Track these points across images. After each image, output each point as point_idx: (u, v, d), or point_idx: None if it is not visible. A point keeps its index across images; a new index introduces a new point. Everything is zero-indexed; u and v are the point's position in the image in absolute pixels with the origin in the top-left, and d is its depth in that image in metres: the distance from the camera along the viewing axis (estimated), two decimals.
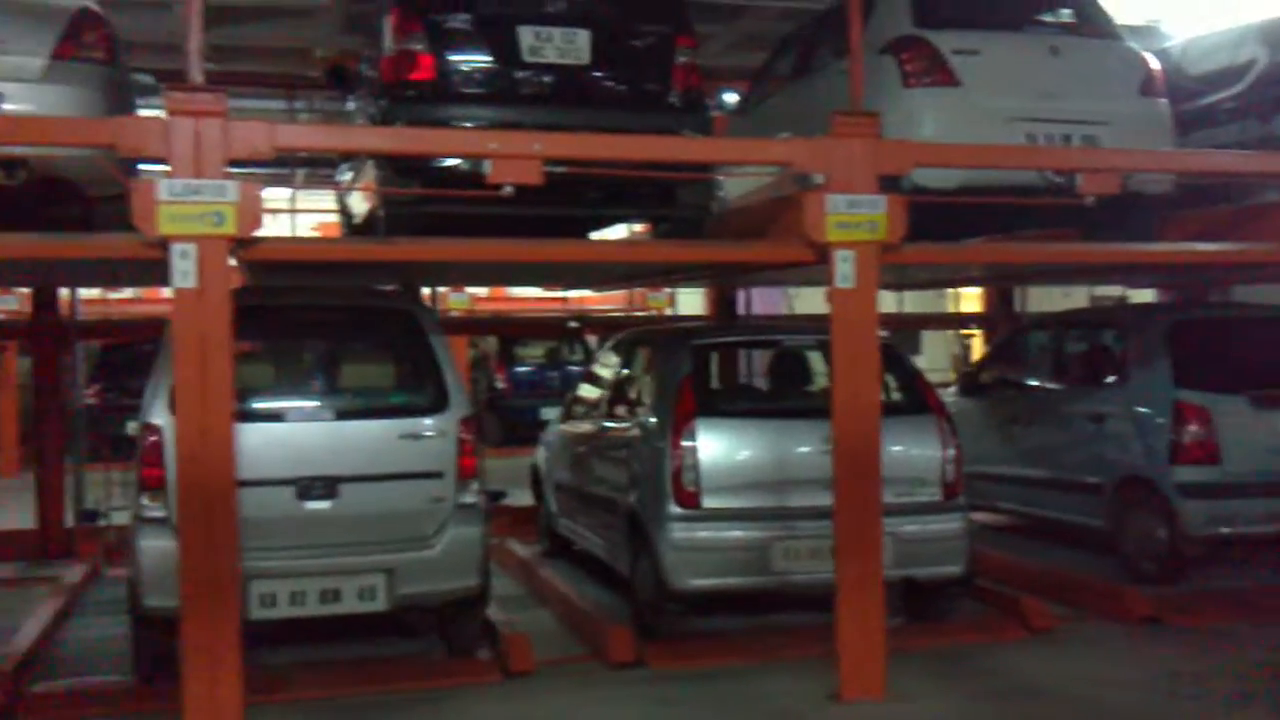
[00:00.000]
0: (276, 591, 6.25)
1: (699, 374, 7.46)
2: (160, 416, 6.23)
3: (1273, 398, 8.31)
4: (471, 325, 18.14)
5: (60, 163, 6.28)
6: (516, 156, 5.96)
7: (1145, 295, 15.57)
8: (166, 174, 5.37)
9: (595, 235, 9.25)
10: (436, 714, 6.10)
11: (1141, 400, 8.57)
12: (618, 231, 11.78)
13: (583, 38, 7.18)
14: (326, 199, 14.82)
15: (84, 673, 6.81)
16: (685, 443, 7.01)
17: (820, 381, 8.26)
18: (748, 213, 8.52)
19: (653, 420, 7.44)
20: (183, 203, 5.32)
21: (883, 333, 7.53)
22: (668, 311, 19.56)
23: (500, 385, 19.66)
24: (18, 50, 6.31)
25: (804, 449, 7.09)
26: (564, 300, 20.02)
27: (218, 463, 5.46)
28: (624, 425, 8.05)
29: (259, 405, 6.54)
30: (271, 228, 6.74)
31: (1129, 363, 8.85)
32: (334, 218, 13.08)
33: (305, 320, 7.17)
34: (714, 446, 7.06)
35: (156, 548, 6.16)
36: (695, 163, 7.25)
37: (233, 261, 5.64)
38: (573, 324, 15.81)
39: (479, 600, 6.80)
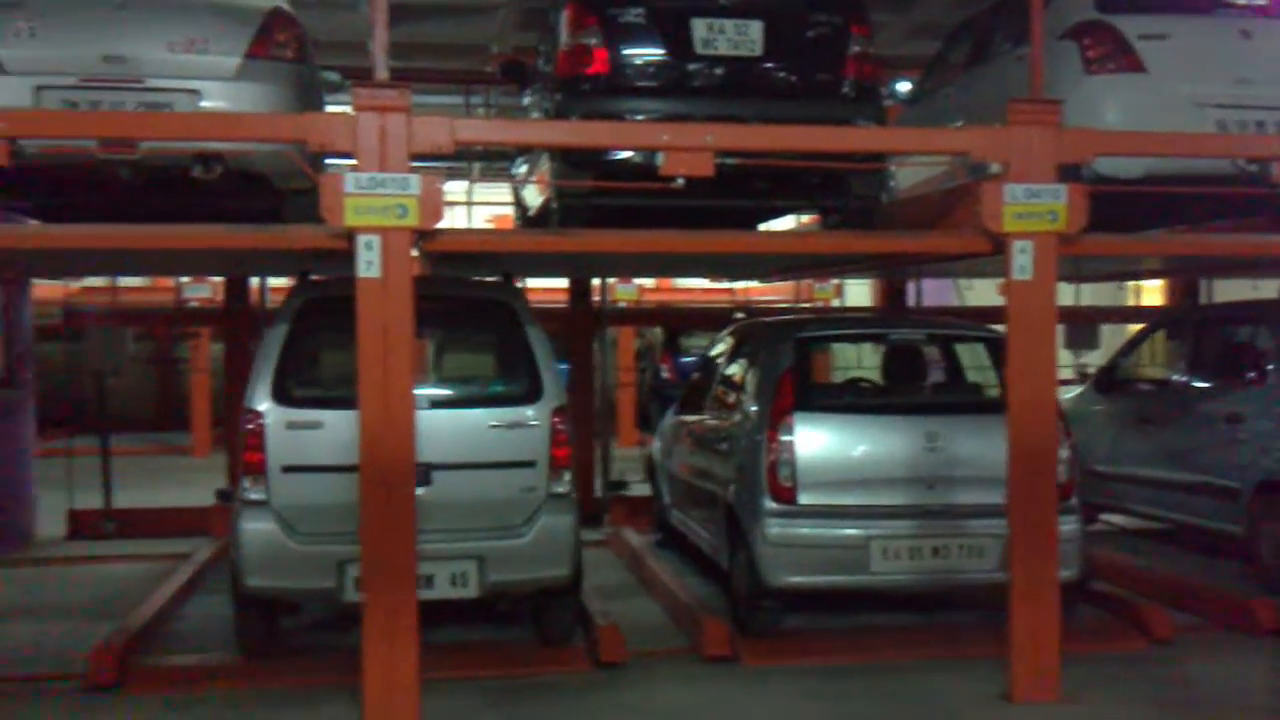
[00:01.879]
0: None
1: (800, 367, 7.30)
2: (263, 403, 6.43)
3: None
4: (637, 316, 18.30)
5: (253, 157, 6.55)
6: (689, 149, 5.98)
7: None
8: (352, 168, 5.56)
9: (763, 226, 9.26)
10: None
11: (1278, 400, 8.13)
12: (784, 222, 11.75)
13: (755, 29, 7.17)
14: (501, 192, 15.14)
15: (201, 648, 7.03)
16: (782, 437, 6.90)
17: (933, 377, 8.11)
18: (919, 203, 8.42)
19: (752, 413, 7.34)
20: (368, 195, 5.49)
21: (997, 327, 7.39)
22: (834, 303, 19.39)
23: (665, 375, 19.81)
24: (215, 50, 6.61)
25: (907, 446, 6.95)
26: (730, 291, 20.01)
27: (398, 447, 5.64)
28: (726, 418, 7.97)
29: (354, 393, 6.68)
30: (449, 220, 6.90)
31: (1269, 360, 8.38)
32: (508, 210, 13.37)
33: None
34: (812, 441, 6.93)
35: (257, 530, 6.36)
36: (869, 153, 7.18)
37: (414, 252, 5.82)
38: (738, 315, 15.80)
39: (570, 589, 6.81)
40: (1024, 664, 6.09)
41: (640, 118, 7.08)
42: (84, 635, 6.78)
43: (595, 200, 7.15)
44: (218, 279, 13.88)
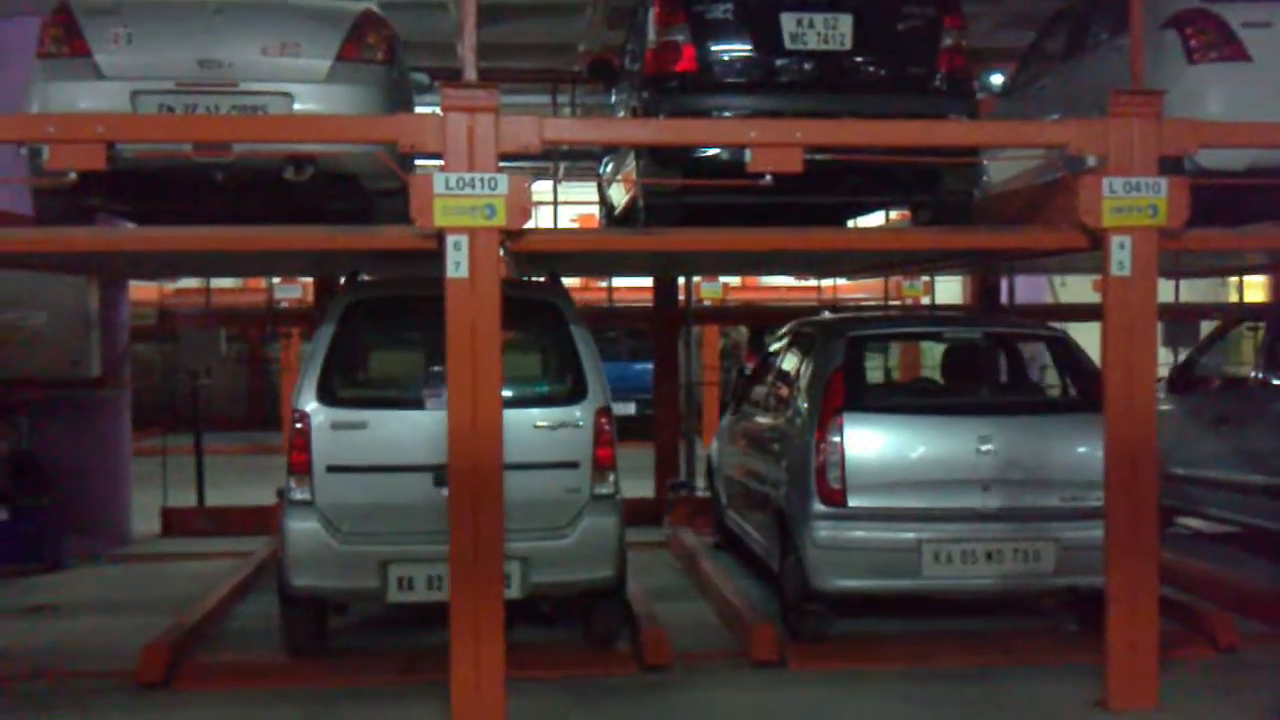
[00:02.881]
0: (414, 576, 6.33)
1: (852, 366, 7.15)
2: (309, 403, 6.45)
3: None
4: (722, 314, 18.21)
5: (343, 159, 6.62)
6: (777, 145, 5.91)
7: None
8: (441, 168, 5.58)
9: (852, 223, 9.15)
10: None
11: None
12: (873, 219, 11.61)
13: (845, 23, 7.07)
14: (586, 191, 15.16)
15: (251, 646, 7.07)
16: (832, 438, 6.76)
17: (989, 377, 7.92)
18: (1012, 197, 8.25)
19: (802, 413, 7.21)
20: (457, 196, 5.51)
21: (1056, 325, 7.20)
22: (924, 300, 19.14)
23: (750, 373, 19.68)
24: (308, 53, 6.68)
25: (960, 448, 6.78)
26: (816, 289, 19.85)
27: (487, 447, 5.65)
28: (777, 418, 7.85)
29: (399, 393, 6.72)
30: (535, 219, 6.91)
31: None
32: (593, 210, 13.38)
33: (442, 309, 7.22)
34: (863, 442, 6.79)
35: (303, 529, 6.39)
36: (962, 147, 7.05)
37: (501, 253, 5.83)
38: (825, 313, 15.66)
39: (615, 591, 6.75)
40: (1121, 671, 5.95)
41: (728, 114, 7.03)
42: (156, 631, 6.85)
43: (682, 198, 7.11)
44: (307, 280, 14.08)
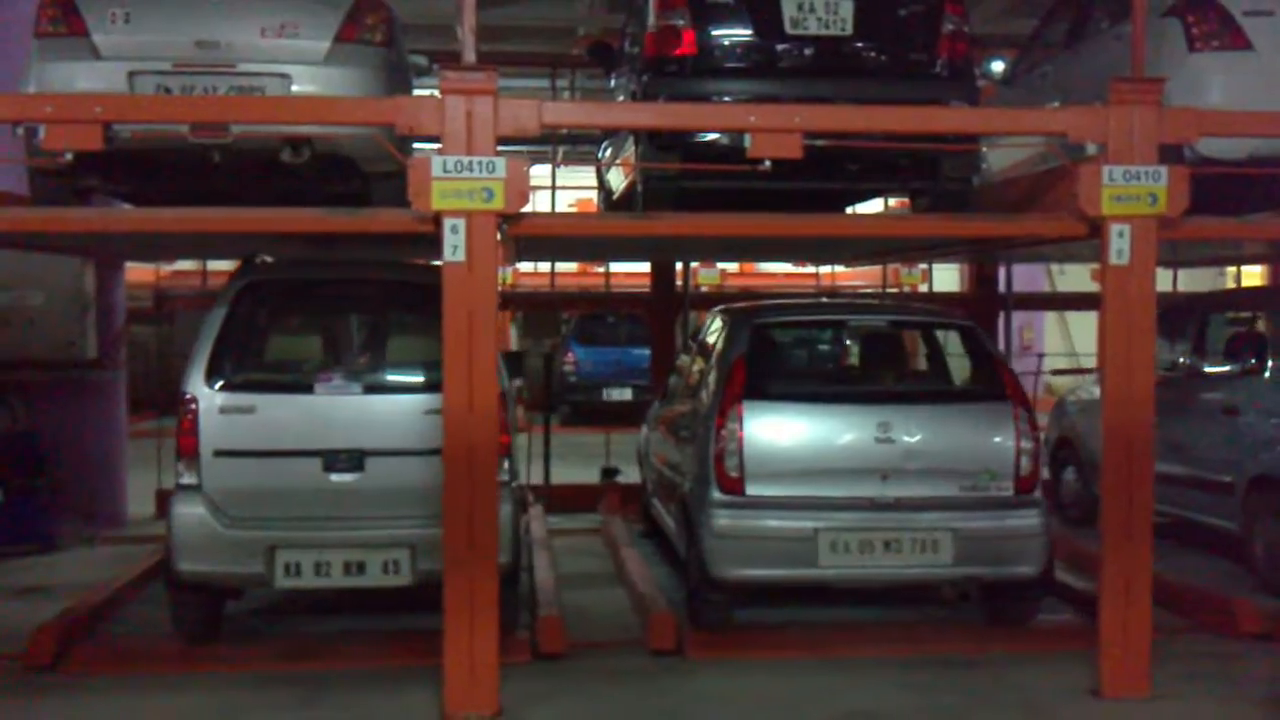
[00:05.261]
0: (301, 561, 6.31)
1: (756, 354, 7.06)
2: (196, 387, 6.41)
3: None
4: (719, 300, 18.17)
5: (341, 141, 6.59)
6: (777, 130, 5.89)
7: None
8: (439, 151, 5.55)
9: (850, 209, 9.13)
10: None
11: (1274, 392, 7.81)
12: (872, 205, 11.59)
13: (846, 8, 7.04)
14: (585, 175, 15.14)
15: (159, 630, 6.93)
16: (731, 426, 6.68)
17: (896, 365, 7.85)
18: (1011, 185, 8.25)
19: (705, 401, 7.17)
20: (454, 179, 5.49)
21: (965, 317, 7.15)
22: (921, 288, 19.15)
23: None
24: (306, 34, 6.65)
25: (859, 437, 6.73)
26: (814, 276, 19.86)
27: (483, 431, 5.62)
28: (688, 406, 7.79)
29: (289, 377, 6.71)
30: (533, 204, 6.88)
31: (1264, 351, 8.04)
32: (591, 194, 13.35)
33: (340, 294, 7.23)
34: (762, 431, 6.71)
35: (189, 514, 6.34)
36: (963, 134, 7.03)
37: (499, 236, 5.81)
38: (824, 299, 15.66)
39: (510, 578, 6.53)
40: (1114, 658, 5.96)
41: (728, 99, 7.00)
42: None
43: (681, 183, 7.09)
44: None
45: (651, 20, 7.22)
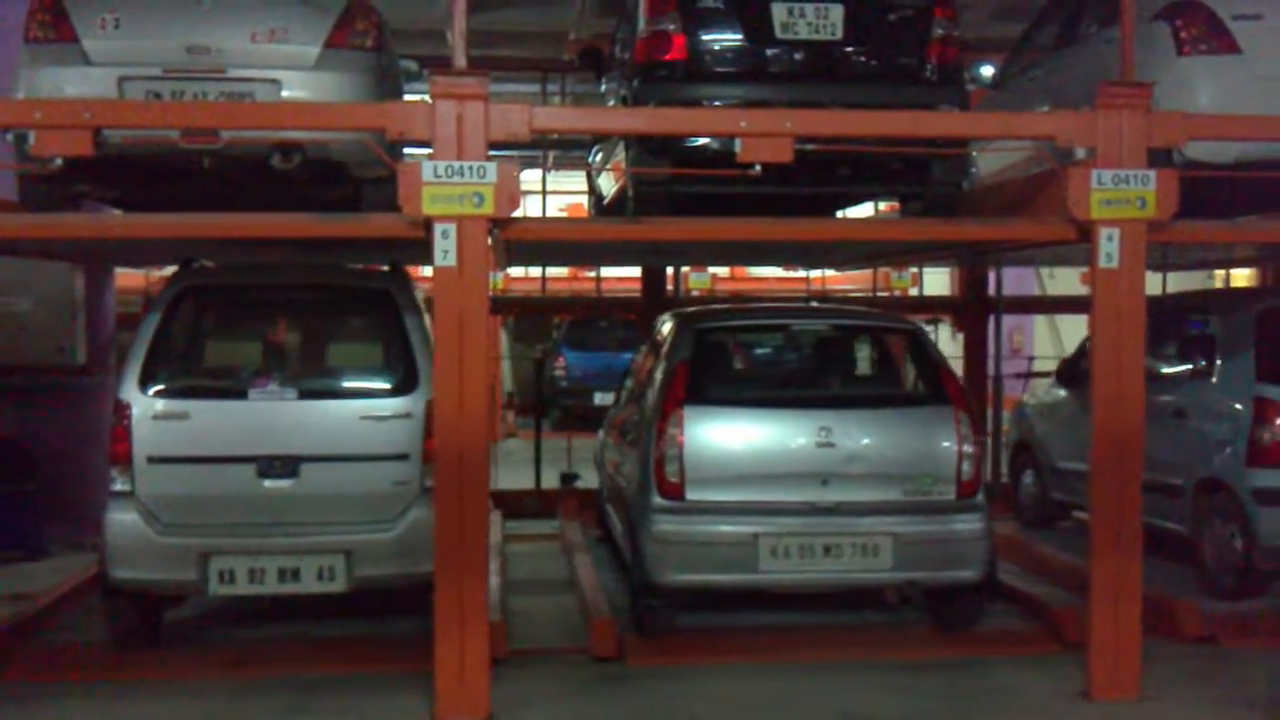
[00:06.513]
0: (235, 568, 6.28)
1: (699, 359, 7.05)
2: (130, 393, 6.37)
3: None
4: (709, 305, 18.17)
5: (331, 146, 6.58)
6: (767, 135, 5.91)
7: None
8: (430, 156, 5.56)
9: (840, 214, 9.14)
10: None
11: (1221, 395, 7.83)
12: (863, 210, 11.61)
13: (836, 12, 7.04)
14: (575, 180, 15.14)
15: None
16: (671, 430, 6.66)
17: (840, 370, 7.84)
18: (1001, 189, 8.26)
19: (648, 406, 7.15)
20: (445, 184, 5.49)
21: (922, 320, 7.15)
22: (912, 292, 19.16)
23: (738, 365, 19.70)
24: (296, 40, 6.66)
25: (801, 441, 6.71)
26: (805, 280, 19.85)
27: (473, 435, 5.64)
28: (634, 411, 7.77)
29: (224, 383, 6.68)
30: (524, 208, 6.89)
31: (1213, 354, 8.06)
32: (582, 199, 13.35)
33: (277, 299, 7.20)
34: (703, 435, 6.69)
35: (122, 521, 6.30)
36: (952, 138, 7.04)
37: (489, 241, 5.81)
38: (813, 304, 15.68)
39: None
40: (1104, 661, 5.98)
41: (719, 104, 7.00)
42: None
43: (671, 188, 7.09)
44: None
45: (642, 25, 7.23)
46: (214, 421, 6.42)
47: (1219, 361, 8.04)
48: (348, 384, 6.83)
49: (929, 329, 21.40)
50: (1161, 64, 6.85)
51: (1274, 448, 7.43)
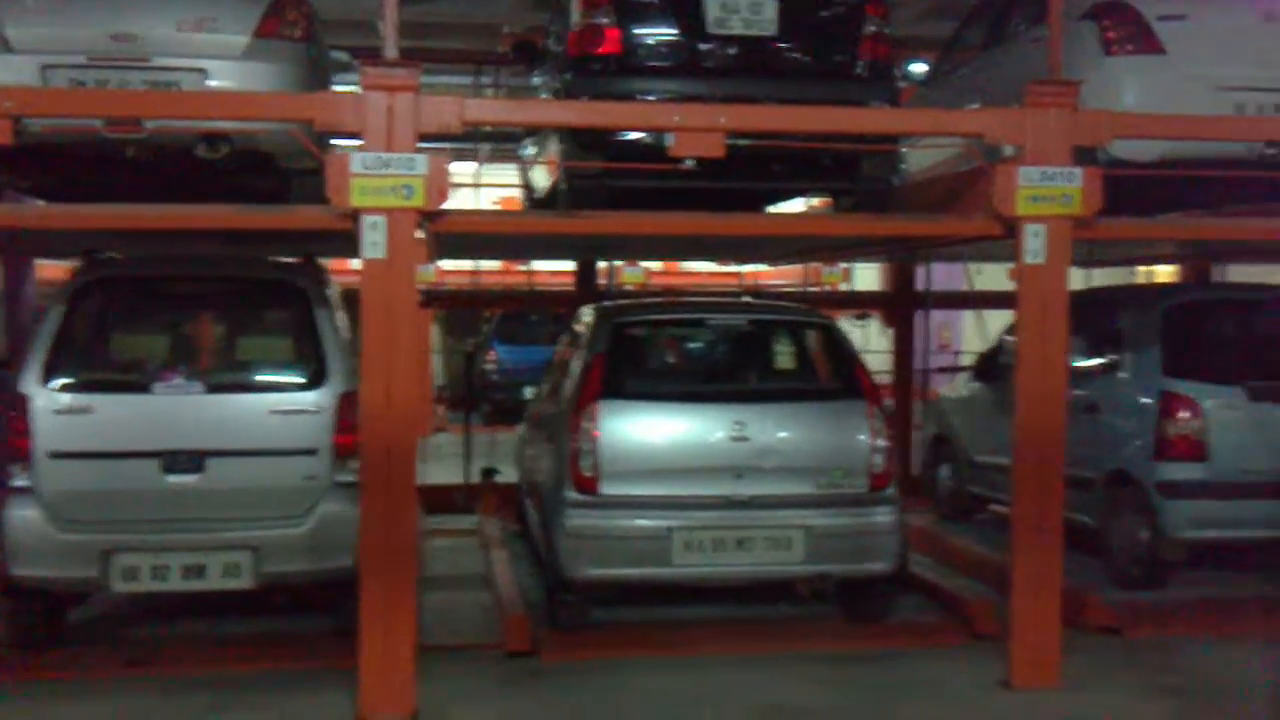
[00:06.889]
0: (138, 565, 6.19)
1: (616, 353, 7.04)
2: (31, 387, 6.28)
3: (1273, 390, 7.61)
4: (641, 299, 18.19)
5: (259, 137, 6.50)
6: (700, 129, 5.93)
7: None
8: (359, 148, 5.50)
9: (772, 209, 9.17)
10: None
11: (1129, 389, 8.01)
12: (794, 205, 11.66)
13: (770, 8, 7.07)
14: (509, 174, 15.07)
15: None
16: (585, 424, 6.67)
17: (755, 364, 7.90)
18: (931, 186, 8.34)
19: (564, 400, 7.17)
20: (374, 176, 5.45)
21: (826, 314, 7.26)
22: (843, 287, 19.29)
23: (672, 360, 19.72)
24: (224, 29, 6.56)
25: (715, 435, 6.74)
26: (737, 275, 19.93)
27: (402, 429, 5.60)
28: (551, 404, 7.77)
29: (128, 377, 6.59)
30: (456, 201, 6.85)
31: (1122, 349, 8.26)
32: (516, 192, 13.29)
33: (184, 291, 7.12)
34: (618, 430, 6.69)
35: (22, 517, 6.20)
36: (883, 134, 7.10)
37: (419, 234, 5.77)
38: (746, 299, 15.72)
39: (354, 581, 6.21)
40: (1025, 650, 6.08)
41: (652, 98, 7.00)
42: None
43: (604, 182, 7.08)
44: None
45: (575, 18, 7.21)
46: (118, 416, 6.30)
47: (1128, 357, 8.19)
48: (256, 378, 6.74)
49: (860, 324, 21.72)
50: (1088, 63, 6.95)
51: (1179, 441, 7.60)
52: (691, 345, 11.59)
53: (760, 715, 5.79)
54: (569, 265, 12.35)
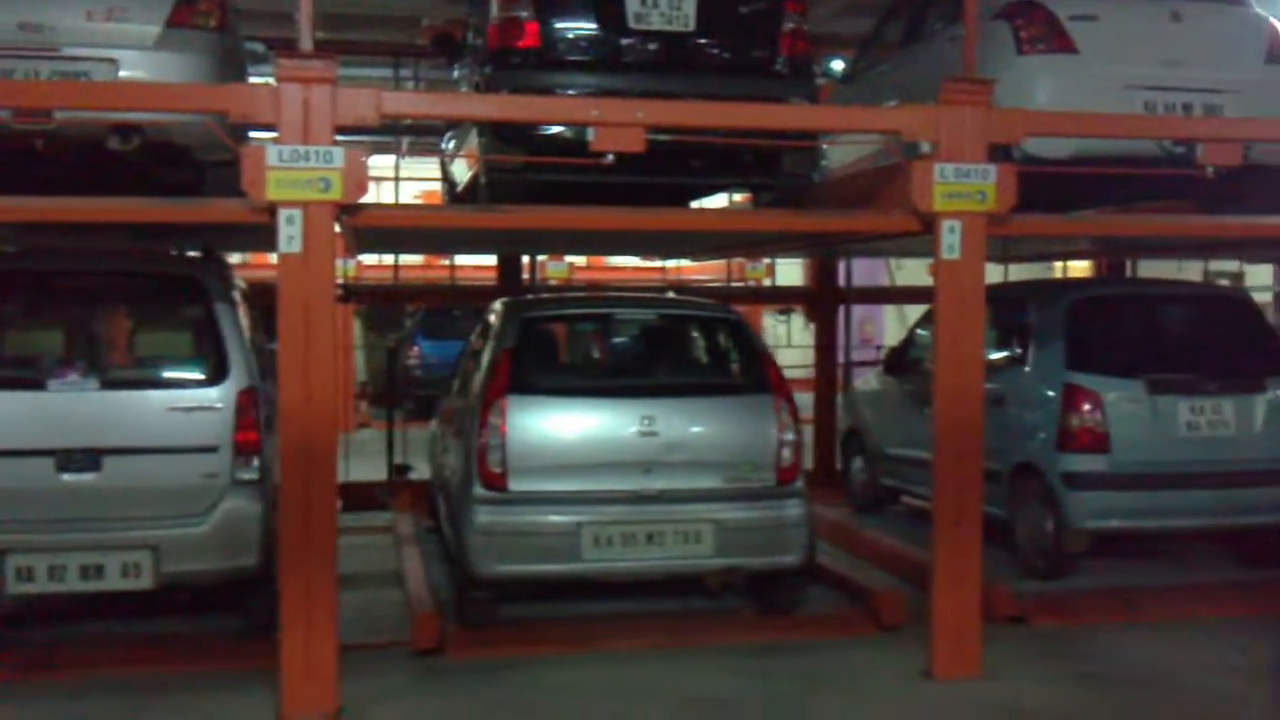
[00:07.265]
0: (34, 566, 6.08)
1: (524, 348, 7.05)
2: None
3: (1173, 383, 7.84)
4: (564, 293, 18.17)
5: (173, 129, 6.38)
6: (619, 124, 5.93)
7: (1263, 272, 15.08)
8: (275, 140, 5.43)
9: (695, 204, 9.21)
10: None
11: (1034, 383, 8.19)
12: (717, 200, 11.72)
13: (689, 4, 7.07)
14: (430, 167, 14.97)
15: None
16: (493, 420, 6.66)
17: (664, 359, 7.94)
18: (850, 182, 8.40)
19: (472, 396, 7.17)
20: (291, 168, 5.38)
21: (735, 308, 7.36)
22: (766, 282, 19.43)
23: (597, 354, 19.71)
24: (135, 19, 6.42)
25: (623, 430, 6.77)
26: (662, 270, 19.98)
27: (319, 426, 5.54)
28: (461, 400, 7.77)
29: (19, 373, 6.46)
30: (376, 195, 6.77)
31: (1027, 343, 8.44)
32: (437, 186, 13.20)
33: (79, 286, 6.98)
34: (526, 425, 6.69)
35: None
36: (801, 131, 7.15)
37: (337, 228, 5.70)
38: (670, 294, 15.76)
39: (262, 579, 6.40)
40: (946, 640, 6.16)
41: (571, 92, 6.99)
42: None
43: (526, 176, 7.05)
44: None
45: (495, 12, 7.17)
46: (10, 413, 6.17)
47: (1033, 351, 8.32)
48: (154, 374, 6.61)
49: (783, 319, 21.83)
50: (1002, 62, 7.05)
51: (1081, 433, 7.74)
52: (601, 340, 11.58)
53: (688, 707, 5.82)
54: (493, 260, 12.28)
